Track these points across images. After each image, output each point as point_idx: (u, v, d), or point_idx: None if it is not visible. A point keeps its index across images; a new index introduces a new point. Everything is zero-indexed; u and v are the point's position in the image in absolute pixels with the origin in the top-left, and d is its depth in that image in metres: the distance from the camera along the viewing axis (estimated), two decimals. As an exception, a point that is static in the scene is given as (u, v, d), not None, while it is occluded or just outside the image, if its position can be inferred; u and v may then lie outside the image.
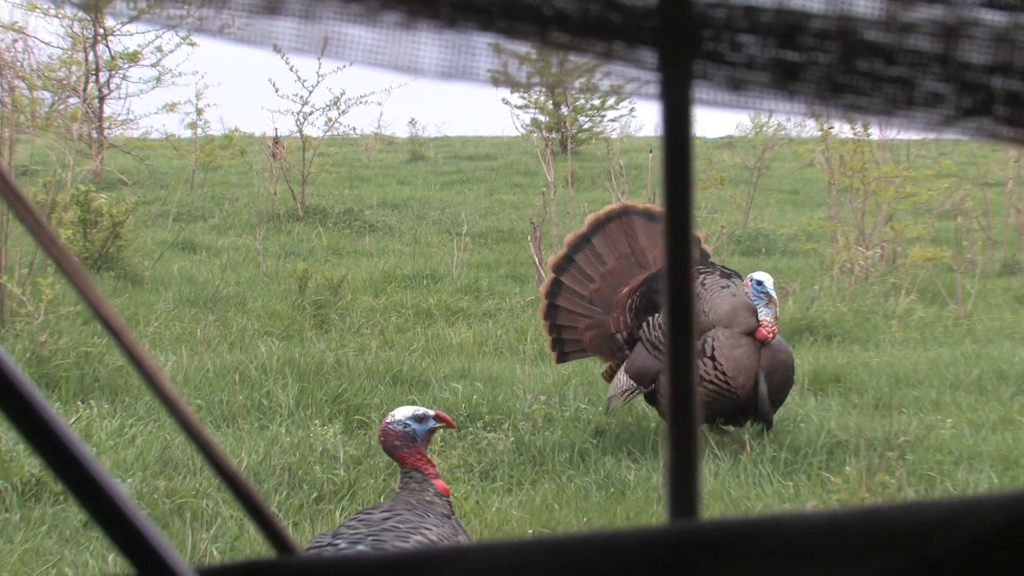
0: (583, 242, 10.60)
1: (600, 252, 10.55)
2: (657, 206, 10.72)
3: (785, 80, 1.30)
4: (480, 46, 1.34)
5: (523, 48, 1.51)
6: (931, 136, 24.61)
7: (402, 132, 35.49)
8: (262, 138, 25.75)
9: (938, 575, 1.38)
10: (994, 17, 1.25)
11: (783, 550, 1.38)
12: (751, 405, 9.37)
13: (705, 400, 9.13)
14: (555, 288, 10.51)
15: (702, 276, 9.93)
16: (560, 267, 10.54)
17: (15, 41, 26.54)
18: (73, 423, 9.34)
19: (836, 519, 1.41)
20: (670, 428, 1.57)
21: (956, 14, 1.25)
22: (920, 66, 1.28)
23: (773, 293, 9.59)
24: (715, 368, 9.30)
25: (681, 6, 1.26)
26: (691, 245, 1.49)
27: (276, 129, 25.54)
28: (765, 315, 9.47)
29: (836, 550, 1.37)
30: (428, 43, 1.32)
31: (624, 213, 10.70)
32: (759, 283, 9.62)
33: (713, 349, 9.36)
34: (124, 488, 6.83)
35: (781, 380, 9.48)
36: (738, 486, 8.65)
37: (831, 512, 1.42)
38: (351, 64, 1.34)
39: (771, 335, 9.51)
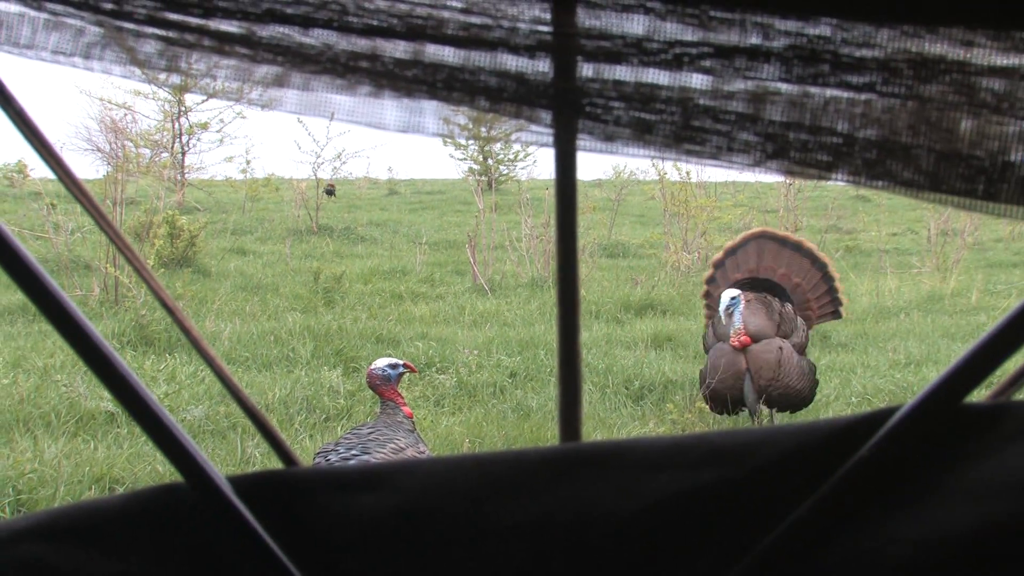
0: (732, 252, 9.30)
1: (739, 262, 9.24)
2: (790, 234, 9.65)
3: (642, 134, 1.23)
4: (428, 109, 1.28)
5: (463, 119, 1.45)
6: (732, 178, 24.81)
7: (383, 175, 35.41)
8: (290, 180, 25.65)
9: (750, 483, 1.34)
10: (789, 87, 1.19)
11: (640, 464, 1.33)
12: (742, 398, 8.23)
13: (719, 394, 8.17)
14: (711, 279, 9.41)
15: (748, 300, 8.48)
16: (717, 264, 9.37)
17: (125, 115, 26.35)
18: (162, 369, 9.26)
19: (677, 441, 1.36)
20: (560, 373, 1.51)
21: (762, 86, 1.19)
22: (737, 123, 1.22)
23: (728, 305, 8.18)
24: (712, 373, 8.23)
25: (568, 80, 1.20)
26: (576, 245, 1.43)
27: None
28: (732, 327, 8.14)
29: (677, 464, 1.33)
30: (390, 107, 1.26)
31: (761, 236, 9.25)
32: (724, 300, 8.29)
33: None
34: (195, 413, 6.70)
35: (770, 377, 8.03)
36: (604, 410, 8.62)
37: (673, 436, 1.36)
38: (333, 120, 1.28)
39: (737, 343, 8.14)
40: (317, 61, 1.21)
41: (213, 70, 1.30)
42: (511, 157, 31.68)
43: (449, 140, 29.53)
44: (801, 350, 8.57)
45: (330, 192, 25.50)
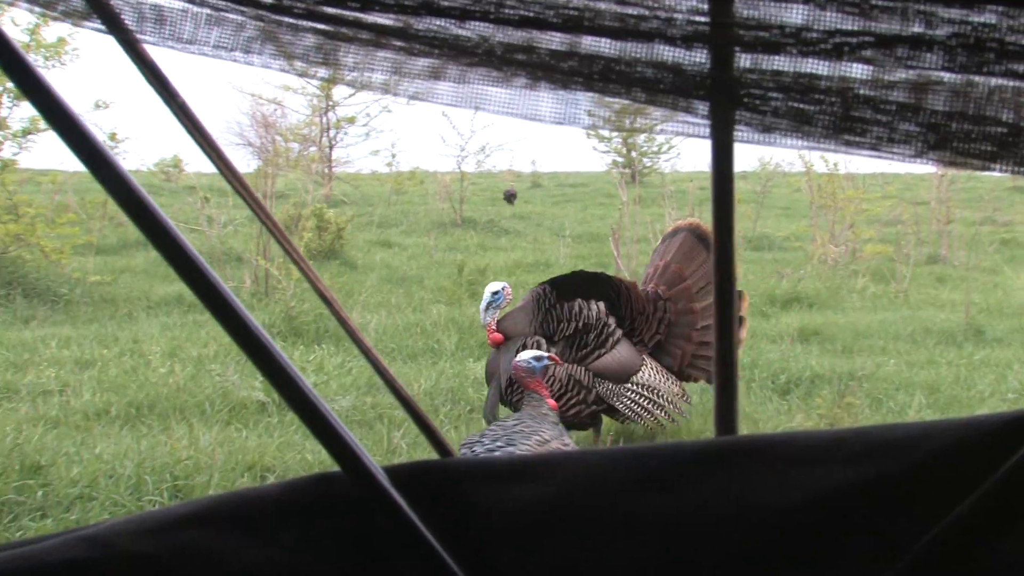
0: (665, 239, 8.11)
1: (665, 251, 7.97)
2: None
3: (801, 125, 1.22)
4: (583, 101, 1.27)
5: (607, 112, 1.45)
6: (881, 169, 24.34)
7: (526, 168, 35.50)
8: (435, 173, 25.96)
9: (909, 479, 1.31)
10: (952, 76, 1.16)
11: (797, 458, 1.31)
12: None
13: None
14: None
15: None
16: (655, 251, 8.19)
17: (276, 110, 26.90)
18: (311, 360, 9.42)
19: (836, 435, 1.34)
20: (716, 366, 1.50)
21: (924, 75, 1.16)
22: (898, 113, 1.19)
23: (488, 300, 7.35)
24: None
25: (727, 71, 1.18)
26: (732, 238, 1.42)
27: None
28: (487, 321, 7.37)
29: (835, 458, 1.30)
30: (546, 99, 1.26)
31: (690, 228, 7.90)
32: (485, 295, 7.42)
33: None
34: (342, 403, 6.81)
35: (506, 378, 6.97)
36: (750, 404, 8.51)
37: (830, 430, 1.35)
38: (487, 112, 1.29)
39: (489, 341, 7.34)
40: (473, 53, 1.21)
41: (369, 63, 1.32)
42: (654, 149, 31.58)
43: (592, 133, 29.60)
44: (609, 370, 7.29)
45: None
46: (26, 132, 14.17)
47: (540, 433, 5.34)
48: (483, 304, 7.40)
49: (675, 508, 1.29)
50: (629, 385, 7.31)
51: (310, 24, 1.27)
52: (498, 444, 5.25)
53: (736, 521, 1.29)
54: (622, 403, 7.30)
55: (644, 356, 7.47)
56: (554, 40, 1.19)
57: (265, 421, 7.69)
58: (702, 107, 1.25)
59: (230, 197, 16.21)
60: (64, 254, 13.04)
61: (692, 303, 7.68)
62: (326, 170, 26.41)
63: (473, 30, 1.20)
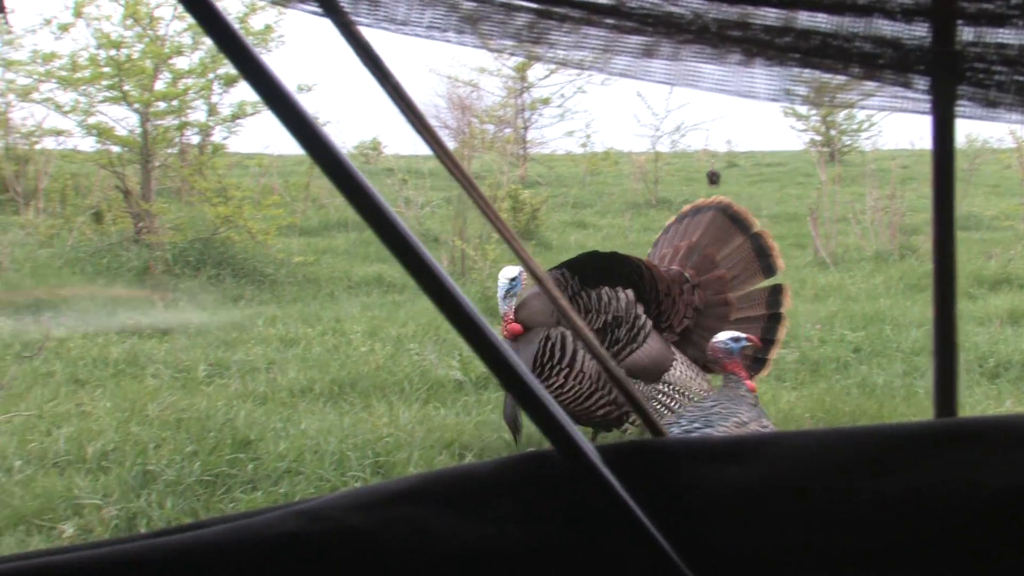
0: (684, 217, 7.45)
1: (687, 230, 7.40)
2: (752, 217, 7.47)
3: (1028, 98, 1.17)
4: (796, 77, 1.26)
5: (806, 90, 1.43)
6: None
7: (722, 148, 35.05)
8: (629, 154, 25.90)
9: None
10: None
11: (1020, 440, 1.26)
12: None
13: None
14: (656, 242, 7.81)
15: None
16: (666, 229, 7.69)
17: (472, 92, 27.21)
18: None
19: None
20: (935, 347, 1.47)
21: None
22: None
23: (507, 287, 6.56)
24: None
25: (948, 45, 1.15)
26: (954, 217, 1.38)
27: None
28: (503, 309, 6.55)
29: None
30: (760, 75, 1.24)
31: (719, 207, 7.33)
32: (501, 282, 6.60)
33: None
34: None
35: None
36: (956, 388, 8.25)
37: None
38: (703, 90, 1.27)
39: (505, 332, 6.41)
40: (687, 30, 1.20)
41: (580, 42, 1.32)
42: (854, 127, 30.88)
43: (790, 111, 29.09)
44: (642, 368, 6.55)
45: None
46: (235, 117, 14.67)
47: (738, 415, 5.29)
48: (500, 292, 6.62)
49: (892, 489, 1.27)
50: (661, 387, 6.63)
51: (522, 3, 1.28)
52: (695, 425, 5.23)
53: (960, 504, 1.26)
54: (652, 406, 6.52)
55: (673, 348, 6.78)
56: (769, 16, 1.17)
57: (463, 400, 7.80)
58: (922, 82, 1.21)
59: (427, 179, 16.48)
60: (270, 235, 13.44)
61: (726, 293, 7.05)
62: (521, 151, 26.60)
63: (686, 6, 1.19)
